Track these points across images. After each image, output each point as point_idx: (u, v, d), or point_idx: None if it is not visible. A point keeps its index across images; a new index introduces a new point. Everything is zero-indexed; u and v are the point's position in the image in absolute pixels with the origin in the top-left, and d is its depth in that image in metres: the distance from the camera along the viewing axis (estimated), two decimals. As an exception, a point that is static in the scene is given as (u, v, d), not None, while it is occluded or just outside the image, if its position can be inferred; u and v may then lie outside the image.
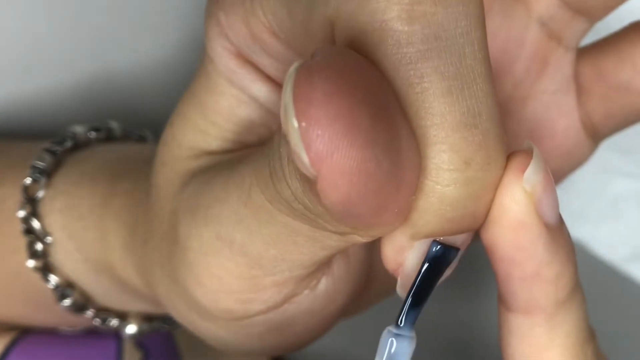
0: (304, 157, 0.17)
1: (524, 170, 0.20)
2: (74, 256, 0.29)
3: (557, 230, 0.21)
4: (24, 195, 0.30)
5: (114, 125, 0.33)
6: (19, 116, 0.37)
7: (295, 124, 0.17)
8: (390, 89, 0.19)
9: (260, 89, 0.24)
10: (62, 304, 0.30)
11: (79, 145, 0.32)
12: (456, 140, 0.19)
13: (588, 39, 0.28)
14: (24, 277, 0.30)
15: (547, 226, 0.21)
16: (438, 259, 0.20)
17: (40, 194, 0.30)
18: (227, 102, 0.24)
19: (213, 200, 0.22)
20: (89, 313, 0.30)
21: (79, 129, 0.32)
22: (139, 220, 0.26)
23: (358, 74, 0.18)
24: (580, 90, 0.28)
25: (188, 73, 0.38)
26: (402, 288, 0.21)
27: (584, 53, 0.28)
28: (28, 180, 0.30)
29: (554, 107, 0.28)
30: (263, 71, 0.23)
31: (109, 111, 0.38)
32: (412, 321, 0.21)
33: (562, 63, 0.28)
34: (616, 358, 0.43)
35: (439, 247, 0.20)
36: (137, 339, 0.34)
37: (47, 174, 0.30)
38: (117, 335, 0.33)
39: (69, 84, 0.37)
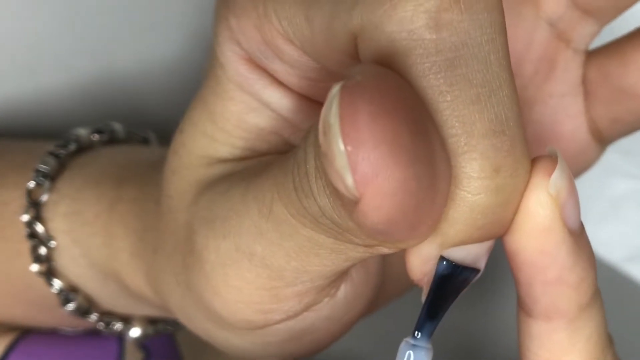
0: (348, 180, 0.17)
1: (550, 175, 0.20)
2: (79, 262, 0.29)
3: (579, 236, 0.21)
4: (27, 199, 0.30)
5: (117, 127, 0.32)
6: (21, 116, 0.37)
7: (342, 147, 0.17)
8: (423, 103, 0.19)
9: (272, 95, 0.24)
10: (65, 308, 0.29)
11: (83, 148, 0.31)
12: (486, 148, 0.19)
13: (595, 45, 0.28)
14: (26, 280, 0.30)
15: (570, 231, 0.21)
16: (452, 275, 0.20)
17: (44, 197, 0.30)
18: (237, 108, 0.24)
19: (231, 212, 0.22)
20: (93, 317, 0.30)
21: (82, 132, 0.32)
22: (148, 228, 0.26)
23: (398, 94, 0.18)
24: (587, 93, 0.28)
25: (191, 73, 0.39)
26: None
27: (590, 57, 0.28)
28: (32, 184, 0.30)
29: (561, 110, 0.28)
30: (275, 77, 0.23)
31: (111, 111, 0.38)
32: (428, 333, 0.21)
33: (571, 65, 0.27)
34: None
35: (445, 263, 0.20)
36: (138, 339, 0.34)
37: (51, 178, 0.30)
38: (118, 335, 0.33)
39: (71, 84, 0.37)
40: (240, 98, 0.24)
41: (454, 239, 0.20)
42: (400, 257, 0.27)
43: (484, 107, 0.19)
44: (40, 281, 0.30)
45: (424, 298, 0.21)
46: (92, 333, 0.33)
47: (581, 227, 0.21)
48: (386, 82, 0.18)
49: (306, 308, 0.23)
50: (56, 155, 0.31)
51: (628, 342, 0.43)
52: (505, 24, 0.19)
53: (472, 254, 0.20)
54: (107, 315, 0.30)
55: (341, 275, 0.23)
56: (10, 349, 0.32)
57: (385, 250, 0.20)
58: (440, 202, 0.19)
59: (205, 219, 0.23)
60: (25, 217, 0.29)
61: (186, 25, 0.38)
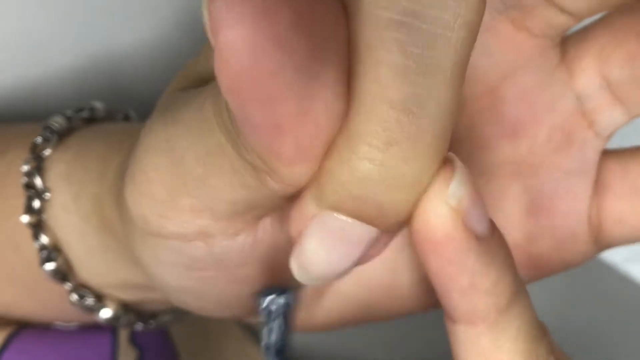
0: (206, 18, 0.17)
1: (448, 185, 0.20)
2: (68, 206, 0.29)
3: (489, 240, 0.21)
4: (31, 152, 0.30)
5: (98, 105, 0.33)
6: (9, 103, 0.37)
7: None
8: (341, 30, 0.18)
9: None
10: (44, 267, 0.29)
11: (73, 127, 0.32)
12: (388, 118, 0.18)
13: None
14: (15, 239, 0.30)
15: (478, 238, 0.20)
16: (278, 311, 0.20)
17: (48, 152, 0.30)
18: None
19: (180, 105, 0.22)
20: (69, 285, 0.30)
21: (67, 112, 0.32)
22: None
23: None
24: (599, 184, 0.27)
25: (177, 54, 0.39)
26: (295, 261, 0.21)
27: (618, 150, 0.27)
28: (39, 139, 0.30)
29: (563, 186, 0.27)
30: None
31: (101, 95, 0.38)
32: None
33: (588, 147, 0.27)
34: (616, 358, 0.43)
35: (267, 297, 0.20)
36: (131, 337, 0.34)
37: (59, 135, 0.30)
38: (112, 332, 0.33)
39: (60, 69, 0.37)
40: None
41: (328, 198, 0.19)
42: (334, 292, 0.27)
43: (406, 80, 0.18)
44: (27, 243, 0.30)
45: (292, 260, 0.21)
46: (85, 329, 0.33)
47: (491, 230, 0.21)
48: None
49: (199, 234, 0.23)
50: (67, 117, 0.31)
51: (628, 342, 0.43)
52: (477, 25, 0.19)
53: (354, 244, 0.20)
54: (82, 288, 0.30)
55: (243, 223, 0.23)
56: (4, 345, 0.32)
57: (272, 182, 0.20)
58: (312, 128, 0.18)
59: (160, 110, 0.23)
60: (25, 168, 0.30)
61: (173, 8, 0.38)
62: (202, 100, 0.21)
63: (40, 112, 0.37)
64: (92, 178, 0.29)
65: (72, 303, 0.30)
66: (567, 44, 0.26)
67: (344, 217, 0.20)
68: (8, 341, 0.32)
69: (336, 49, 0.18)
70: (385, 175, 0.19)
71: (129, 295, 0.30)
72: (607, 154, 0.27)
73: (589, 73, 0.26)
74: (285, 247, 0.24)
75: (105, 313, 0.30)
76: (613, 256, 0.46)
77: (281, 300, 0.20)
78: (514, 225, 0.27)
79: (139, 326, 0.31)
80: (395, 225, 0.20)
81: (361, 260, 0.21)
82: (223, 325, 0.38)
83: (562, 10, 0.24)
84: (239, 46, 0.17)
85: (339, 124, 0.19)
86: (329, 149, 0.19)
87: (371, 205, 0.19)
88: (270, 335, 0.20)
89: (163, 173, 0.22)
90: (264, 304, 0.20)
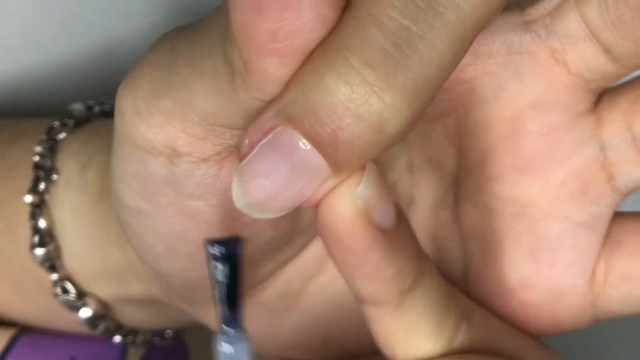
0: None
1: (357, 186, 0.20)
2: (71, 182, 0.29)
3: (394, 231, 0.21)
4: (47, 134, 0.30)
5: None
6: (7, 96, 0.37)
7: None
8: None
9: None
10: (34, 252, 0.30)
11: (80, 122, 0.32)
12: (374, 41, 0.18)
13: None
14: (15, 219, 0.30)
15: (384, 230, 0.21)
16: (226, 256, 0.20)
17: (62, 135, 0.30)
18: None
19: (191, 31, 0.22)
20: (54, 276, 0.30)
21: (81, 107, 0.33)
22: None
23: None
24: (610, 239, 0.26)
25: None
26: (237, 180, 0.20)
27: (630, 213, 0.26)
28: (57, 123, 0.30)
29: (569, 237, 0.26)
30: None
31: (95, 90, 0.38)
32: (238, 323, 0.20)
33: (603, 200, 0.26)
34: (616, 358, 0.43)
35: (217, 245, 0.20)
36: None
37: (76, 121, 0.31)
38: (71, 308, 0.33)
39: (60, 65, 0.37)
40: None
41: (288, 107, 0.19)
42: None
43: (405, 11, 0.18)
44: (24, 226, 0.30)
45: (235, 175, 0.20)
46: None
47: (397, 221, 0.21)
48: None
49: (165, 147, 0.22)
50: (88, 107, 0.31)
51: (628, 342, 0.43)
52: (494, 8, 0.19)
53: (302, 173, 0.19)
54: (67, 280, 0.30)
55: (211, 150, 0.22)
56: (9, 346, 0.32)
57: (242, 85, 0.19)
58: (292, 17, 0.18)
59: (173, 35, 0.23)
60: (38, 149, 0.30)
61: (173, 6, 0.38)
62: (209, 21, 0.21)
63: (40, 109, 0.37)
64: (103, 145, 0.29)
65: (55, 296, 0.30)
66: (602, 95, 0.26)
67: (297, 135, 0.19)
68: (13, 342, 0.32)
69: None
70: (349, 96, 0.18)
71: (109, 290, 0.30)
72: (620, 214, 0.26)
73: (617, 125, 0.25)
74: None
75: (85, 312, 0.30)
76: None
77: (229, 247, 0.20)
78: (511, 267, 0.26)
79: (117, 338, 0.32)
80: (345, 166, 0.19)
81: (304, 198, 0.20)
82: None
83: (605, 49, 0.24)
84: None
85: (322, 31, 0.18)
86: (304, 62, 0.19)
87: (326, 129, 0.18)
88: (217, 286, 0.20)
89: (155, 69, 0.22)
90: (212, 249, 0.20)
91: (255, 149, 0.19)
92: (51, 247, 0.30)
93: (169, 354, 0.34)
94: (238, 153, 0.20)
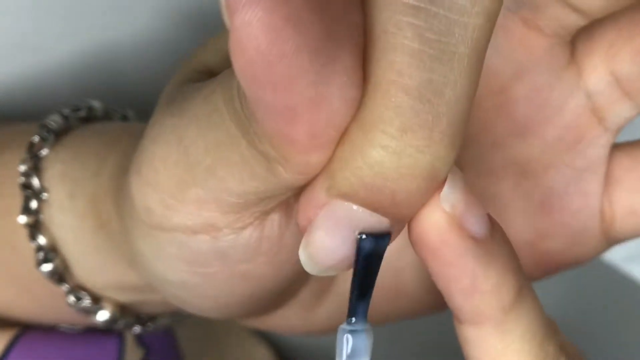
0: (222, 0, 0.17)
1: (440, 191, 0.20)
2: (64, 204, 0.29)
3: (489, 242, 0.21)
4: (28, 152, 0.30)
5: (96, 104, 0.32)
6: (8, 97, 0.37)
7: None
8: (357, 14, 0.18)
9: None
10: (41, 269, 0.29)
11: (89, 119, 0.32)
12: (404, 105, 0.18)
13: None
14: (12, 240, 0.30)
15: (476, 240, 0.21)
16: (370, 250, 0.20)
17: (45, 151, 0.30)
18: None
19: (186, 97, 0.22)
20: (66, 286, 0.30)
21: (95, 104, 0.32)
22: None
23: None
24: (610, 177, 0.27)
25: (175, 51, 0.39)
26: (303, 250, 0.20)
27: (626, 144, 0.27)
28: (36, 138, 0.30)
29: (574, 183, 0.27)
30: None
31: (94, 91, 0.38)
32: (363, 314, 0.20)
33: (598, 143, 0.27)
34: (616, 358, 0.43)
35: (366, 238, 0.20)
36: (138, 336, 0.34)
37: (55, 134, 0.30)
38: (118, 332, 0.33)
39: (56, 65, 0.37)
40: None
41: (339, 185, 0.19)
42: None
43: (421, 66, 0.18)
44: (24, 244, 0.29)
45: (301, 250, 0.20)
46: (91, 330, 0.33)
47: (491, 231, 0.21)
48: None
49: (204, 227, 0.22)
50: (64, 116, 0.31)
51: (628, 342, 0.43)
52: (496, 13, 0.19)
53: (363, 224, 0.20)
54: (79, 289, 0.30)
55: (251, 217, 0.22)
56: (9, 347, 0.32)
57: (282, 172, 0.20)
58: (327, 115, 0.18)
59: (167, 102, 0.23)
60: (23, 168, 0.29)
61: (171, 5, 0.38)
62: (211, 89, 0.21)
63: (37, 109, 0.37)
64: (87, 176, 0.28)
65: (69, 305, 0.30)
66: (575, 42, 0.26)
67: (354, 206, 0.19)
68: (13, 342, 0.32)
69: (352, 34, 0.18)
70: (399, 163, 0.19)
71: (125, 297, 0.30)
72: (616, 148, 0.27)
73: (599, 70, 0.26)
74: (291, 246, 0.24)
75: (102, 315, 0.30)
76: (613, 256, 0.46)
77: (379, 243, 0.20)
78: (525, 223, 0.27)
79: (137, 329, 0.31)
80: (408, 215, 0.20)
81: None
82: (227, 325, 0.38)
83: (574, 9, 0.25)
84: (255, 27, 0.17)
85: (353, 111, 0.19)
86: (342, 137, 0.19)
87: (384, 195, 0.19)
88: (356, 277, 0.20)
89: (170, 163, 0.22)
90: (364, 243, 0.20)
91: (315, 223, 0.20)
92: (57, 261, 0.29)
93: (165, 355, 0.34)
94: (297, 225, 0.21)
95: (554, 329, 0.23)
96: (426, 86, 0.18)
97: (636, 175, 0.27)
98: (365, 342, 0.20)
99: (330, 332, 0.29)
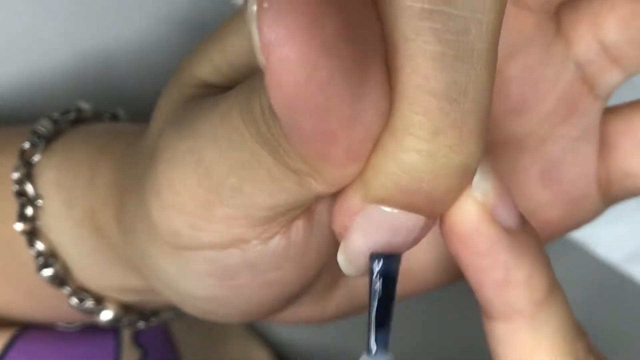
0: (256, 39, 0.17)
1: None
2: (61, 212, 0.29)
3: (520, 233, 0.21)
4: (20, 158, 0.30)
5: (84, 105, 0.32)
6: (6, 98, 0.37)
7: (255, 6, 0.16)
8: (377, 28, 0.18)
9: None
10: (42, 274, 0.29)
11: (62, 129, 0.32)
12: (433, 108, 0.18)
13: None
14: (10, 245, 0.30)
15: (508, 230, 0.21)
16: (385, 273, 0.20)
17: (37, 157, 0.30)
18: (250, 47, 0.24)
19: (198, 116, 0.22)
20: (67, 289, 0.30)
21: (84, 106, 0.32)
22: (133, 160, 0.26)
23: None
24: (604, 142, 0.28)
25: (169, 51, 0.39)
26: (342, 255, 0.21)
27: (616, 108, 0.28)
28: (27, 145, 0.30)
29: (570, 152, 0.28)
30: None
31: (86, 90, 0.38)
32: (383, 344, 0.20)
33: (590, 111, 0.27)
34: (616, 358, 0.43)
35: (380, 260, 0.20)
36: (134, 337, 0.34)
37: (46, 140, 0.30)
38: (115, 333, 0.33)
39: (50, 67, 0.37)
40: None
41: (375, 192, 0.19)
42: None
43: (445, 68, 0.18)
44: (23, 248, 0.29)
45: (339, 255, 0.21)
46: (88, 330, 0.33)
47: (522, 223, 0.21)
48: None
49: (233, 242, 0.23)
50: (54, 120, 0.31)
51: (628, 342, 0.43)
52: (504, 6, 0.19)
53: (402, 233, 0.20)
54: (81, 291, 0.30)
55: (278, 226, 0.23)
56: (8, 347, 0.32)
57: (314, 184, 0.20)
58: (362, 130, 0.18)
59: (175, 123, 0.23)
60: (16, 175, 0.29)
61: (165, 5, 0.38)
62: (225, 109, 0.21)
63: (34, 110, 0.37)
64: (81, 185, 0.28)
65: (72, 306, 0.30)
66: (559, 15, 0.27)
67: (390, 209, 0.20)
68: (11, 343, 0.32)
69: (376, 46, 0.18)
70: (434, 165, 0.19)
71: (128, 297, 0.30)
72: (607, 112, 0.28)
73: (586, 41, 0.27)
74: (315, 247, 0.24)
75: (106, 315, 0.30)
76: (613, 256, 0.46)
77: (390, 264, 0.20)
78: (526, 196, 0.28)
79: (142, 325, 0.31)
80: (442, 212, 0.20)
81: (408, 247, 0.21)
82: (226, 326, 0.38)
83: None
84: (293, 62, 0.17)
85: (385, 121, 0.19)
86: (375, 149, 0.19)
87: (420, 196, 0.19)
88: (373, 301, 0.20)
89: (192, 185, 0.22)
90: (376, 266, 0.20)
91: (352, 228, 0.20)
92: (58, 266, 0.29)
93: (163, 356, 0.34)
94: (335, 231, 0.21)
95: (583, 330, 0.23)
96: (451, 87, 0.18)
97: (629, 139, 0.28)
98: None
99: (342, 318, 0.29)
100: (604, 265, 0.45)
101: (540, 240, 0.22)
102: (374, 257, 0.20)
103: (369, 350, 0.20)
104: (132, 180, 0.25)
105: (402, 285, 0.28)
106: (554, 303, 0.22)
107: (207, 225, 0.22)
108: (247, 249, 0.23)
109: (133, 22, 0.38)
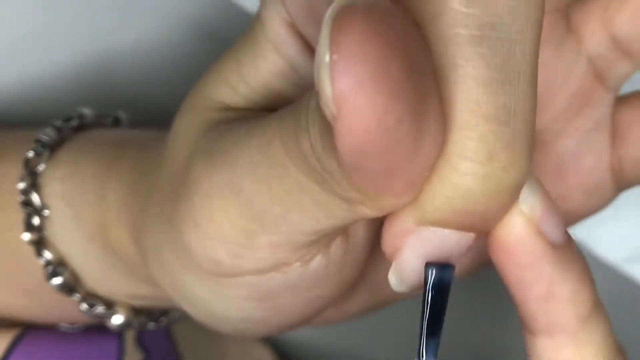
0: (327, 90, 0.17)
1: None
2: (69, 225, 0.29)
3: (565, 249, 0.21)
4: (24, 167, 0.30)
5: (86, 111, 0.33)
6: (8, 104, 0.37)
7: (328, 57, 0.17)
8: (430, 60, 0.19)
9: (305, 62, 0.24)
10: (51, 282, 0.29)
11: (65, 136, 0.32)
12: (486, 132, 0.19)
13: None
14: (16, 253, 0.30)
15: (553, 245, 0.21)
16: (439, 282, 0.20)
17: (41, 167, 0.30)
18: (267, 67, 0.24)
19: (232, 146, 0.22)
20: (77, 296, 0.30)
21: (86, 111, 0.32)
22: (144, 178, 0.26)
23: (402, 29, 0.18)
24: (616, 133, 0.28)
25: (173, 53, 0.39)
26: (394, 274, 0.21)
27: (626, 97, 0.28)
28: (31, 154, 0.30)
29: (585, 144, 0.28)
30: (311, 45, 0.24)
31: (90, 92, 0.38)
32: (433, 352, 0.20)
33: (601, 103, 0.28)
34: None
35: (434, 269, 0.20)
36: (138, 339, 0.34)
37: (50, 148, 0.30)
38: (118, 334, 0.33)
39: (55, 67, 0.37)
40: (273, 59, 0.24)
41: (430, 215, 0.20)
42: (384, 267, 0.27)
43: (494, 92, 0.19)
44: (30, 256, 0.29)
45: (391, 275, 0.21)
46: (91, 331, 0.33)
47: (567, 239, 0.21)
48: (392, 14, 0.17)
49: (276, 266, 0.23)
50: (57, 128, 0.31)
51: (628, 342, 0.43)
52: (542, 22, 0.19)
53: (453, 250, 0.20)
54: (91, 297, 0.30)
55: (319, 246, 0.23)
56: (11, 348, 0.32)
57: (365, 210, 0.20)
58: (421, 162, 0.19)
59: (206, 152, 0.23)
60: (21, 185, 0.30)
61: (169, 8, 0.38)
62: (264, 140, 0.21)
63: (36, 111, 0.37)
64: (90, 201, 0.28)
65: (82, 312, 0.30)
66: (570, 11, 0.28)
67: (443, 230, 0.20)
68: (14, 344, 0.32)
69: (431, 78, 0.19)
70: (488, 186, 0.19)
71: (140, 302, 0.30)
72: (618, 103, 0.28)
73: (597, 35, 0.27)
74: (351, 264, 0.24)
75: (117, 319, 0.30)
76: (613, 256, 0.46)
77: (444, 274, 0.20)
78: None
79: (151, 325, 0.31)
80: (492, 227, 0.21)
81: (458, 260, 0.21)
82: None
83: None
84: (365, 111, 0.17)
85: (442, 149, 0.19)
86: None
87: (475, 217, 0.20)
88: (426, 311, 0.20)
89: (234, 216, 0.22)
90: (432, 275, 0.20)
91: (404, 249, 0.20)
92: (67, 274, 0.29)
93: (165, 357, 0.34)
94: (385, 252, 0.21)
95: (622, 348, 0.23)
96: (502, 110, 0.19)
97: (637, 129, 0.28)
98: None
99: (363, 316, 0.29)
100: (604, 265, 0.45)
101: (584, 256, 0.22)
102: (428, 266, 0.20)
103: (419, 357, 0.20)
104: (149, 200, 0.25)
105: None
106: (598, 320, 0.22)
107: (250, 253, 0.22)
108: (288, 272, 0.23)
109: (137, 24, 0.38)
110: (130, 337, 0.33)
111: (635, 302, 0.45)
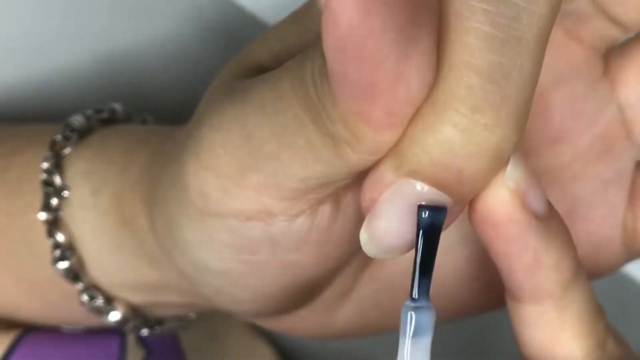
0: None
1: (504, 170, 0.21)
2: (86, 202, 0.29)
3: (548, 219, 0.22)
4: (50, 149, 0.30)
5: (118, 106, 0.33)
6: (20, 101, 0.37)
7: None
8: (435, 1, 0.19)
9: None
10: (57, 266, 0.30)
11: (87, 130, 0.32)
12: (474, 85, 0.19)
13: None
14: (27, 236, 0.30)
15: (537, 216, 0.21)
16: (431, 223, 0.20)
17: (67, 150, 0.30)
18: (308, 37, 0.24)
19: (249, 87, 0.23)
20: (80, 285, 0.30)
21: (117, 106, 0.33)
22: (166, 147, 0.27)
23: None
24: (634, 191, 0.28)
25: (185, 54, 0.39)
26: (366, 230, 0.21)
27: None
28: (59, 137, 0.31)
29: (600, 193, 0.28)
30: None
31: (110, 93, 0.38)
32: (425, 291, 0.21)
33: (624, 155, 0.28)
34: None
35: (427, 211, 0.20)
36: (140, 337, 0.34)
37: (78, 134, 0.31)
38: (120, 333, 0.33)
39: (65, 68, 0.37)
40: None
41: (409, 163, 0.20)
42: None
43: (493, 49, 0.19)
44: (40, 242, 0.30)
45: (362, 231, 0.21)
46: (93, 332, 0.33)
47: (549, 210, 0.22)
48: None
49: (259, 212, 0.23)
50: (87, 116, 0.31)
51: (628, 342, 0.43)
52: (558, 10, 0.20)
53: (402, 237, 0.21)
54: (93, 288, 0.30)
55: (305, 207, 0.23)
56: (12, 348, 0.32)
57: (350, 153, 0.20)
58: (404, 92, 0.19)
59: (225, 92, 0.24)
60: (45, 165, 0.30)
61: (173, 9, 0.38)
62: (278, 77, 0.22)
63: (42, 113, 0.37)
64: (113, 173, 0.29)
65: (82, 304, 0.30)
66: (609, 56, 0.27)
67: (419, 186, 0.20)
68: (16, 343, 0.32)
69: (430, 17, 0.19)
70: (468, 140, 0.20)
71: (139, 297, 0.30)
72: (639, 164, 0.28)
73: (631, 85, 0.27)
74: (337, 238, 0.24)
75: (114, 316, 0.30)
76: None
77: (437, 216, 0.20)
78: None
79: (145, 332, 0.32)
80: (470, 195, 0.21)
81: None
82: (230, 323, 0.38)
83: (615, 22, 0.26)
84: (350, 4, 0.17)
85: (427, 91, 0.19)
86: (414, 119, 0.20)
87: (450, 172, 0.20)
88: (419, 252, 0.21)
89: (232, 148, 0.22)
90: (424, 217, 0.20)
91: (379, 202, 0.21)
92: (73, 260, 0.30)
93: (166, 355, 0.34)
94: (360, 207, 0.21)
95: (602, 309, 0.24)
96: (496, 68, 0.19)
97: None
98: (428, 320, 0.21)
99: (344, 337, 0.29)
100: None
101: (566, 225, 0.23)
102: (421, 208, 0.20)
103: (412, 297, 0.21)
104: (167, 158, 0.26)
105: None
106: (579, 284, 0.23)
107: (238, 190, 0.23)
108: (271, 223, 0.23)
109: (151, 25, 0.38)
110: (132, 336, 0.34)
111: (635, 302, 0.45)
